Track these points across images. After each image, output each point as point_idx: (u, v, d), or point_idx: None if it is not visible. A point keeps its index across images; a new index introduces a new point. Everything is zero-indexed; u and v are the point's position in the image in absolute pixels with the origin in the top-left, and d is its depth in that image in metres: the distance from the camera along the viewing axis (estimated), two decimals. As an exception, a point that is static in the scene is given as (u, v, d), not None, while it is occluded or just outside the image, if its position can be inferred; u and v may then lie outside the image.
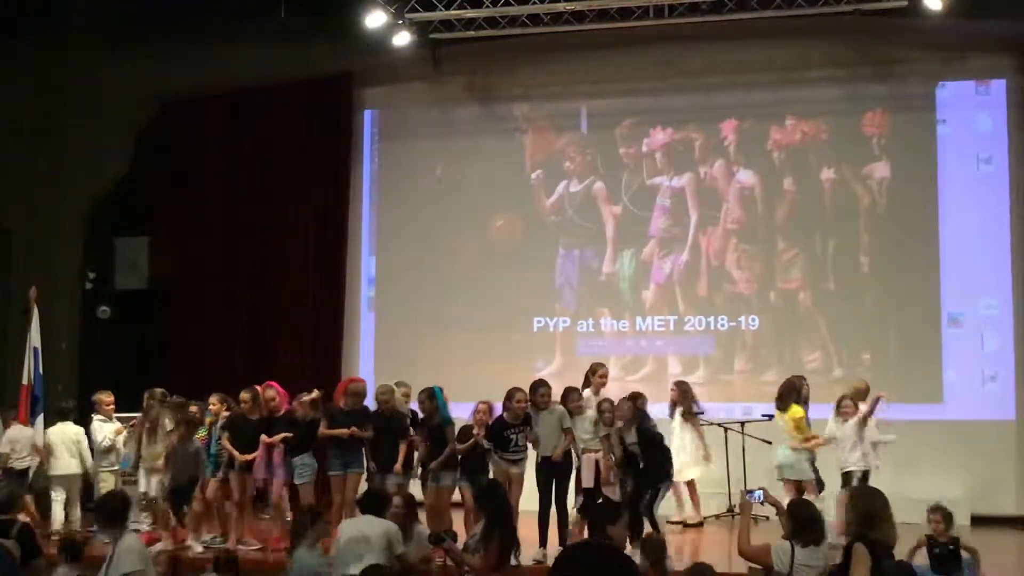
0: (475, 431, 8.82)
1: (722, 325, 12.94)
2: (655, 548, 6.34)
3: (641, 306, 13.17)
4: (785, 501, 6.63)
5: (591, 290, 13.31)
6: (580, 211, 13.40)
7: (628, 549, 7.00)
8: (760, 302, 12.91)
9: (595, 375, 9.63)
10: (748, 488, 6.43)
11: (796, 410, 9.66)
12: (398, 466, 8.90)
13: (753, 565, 6.31)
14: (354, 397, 9.21)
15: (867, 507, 5.55)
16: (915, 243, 12.41)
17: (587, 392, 9.50)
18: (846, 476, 9.15)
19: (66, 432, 10.45)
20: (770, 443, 10.57)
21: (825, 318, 12.72)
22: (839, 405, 9.48)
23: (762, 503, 6.35)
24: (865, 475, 9.07)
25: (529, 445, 8.81)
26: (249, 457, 9.35)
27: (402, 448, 8.99)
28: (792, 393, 9.87)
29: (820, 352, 12.64)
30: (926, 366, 12.24)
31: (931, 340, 12.27)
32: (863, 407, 9.41)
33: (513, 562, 7.58)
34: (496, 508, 6.93)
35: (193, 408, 9.77)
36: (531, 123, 13.51)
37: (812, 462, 9.51)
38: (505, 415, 8.72)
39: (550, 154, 13.53)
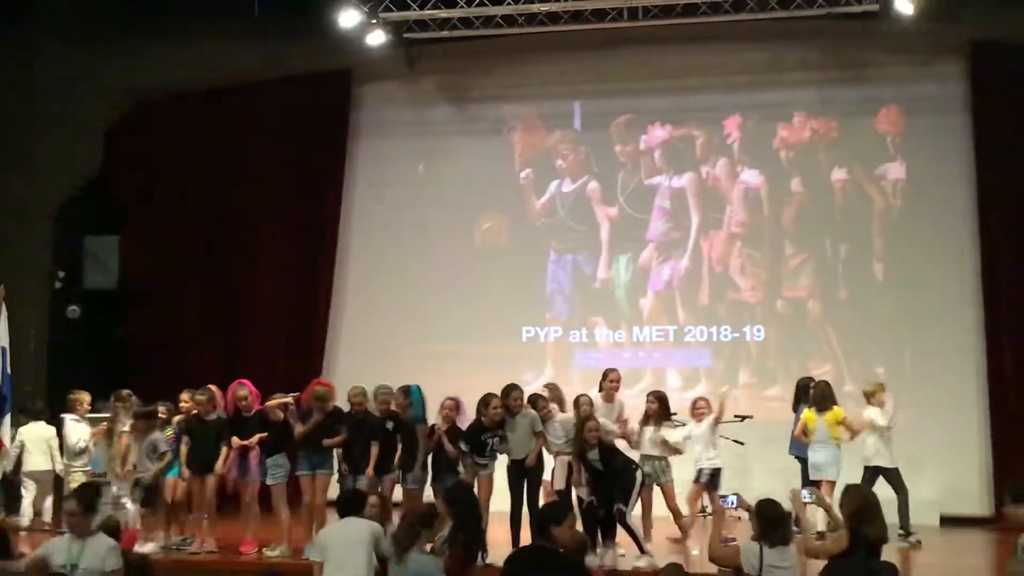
0: (439, 427, 8.76)
1: (725, 336, 12.32)
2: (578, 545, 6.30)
3: (638, 315, 12.54)
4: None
5: (584, 298, 12.67)
6: (573, 213, 12.75)
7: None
8: (766, 311, 12.26)
9: (606, 380, 9.44)
10: (722, 493, 6.57)
11: (838, 411, 9.63)
12: (370, 469, 8.83)
13: (723, 568, 6.31)
14: (319, 402, 9.00)
15: (857, 503, 5.80)
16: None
17: (598, 397, 9.35)
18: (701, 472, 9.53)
19: (37, 432, 10.60)
20: (743, 444, 10.56)
21: (836, 329, 12.08)
22: (694, 406, 9.79)
23: (735, 508, 6.50)
24: (716, 473, 9.46)
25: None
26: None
27: (374, 450, 8.90)
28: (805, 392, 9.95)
29: (831, 365, 11.97)
30: (943, 381, 11.54)
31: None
32: (874, 410, 9.68)
33: (480, 563, 7.67)
34: (463, 510, 6.93)
35: (162, 409, 9.63)
36: (521, 120, 12.98)
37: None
38: (483, 420, 8.74)
39: (541, 152, 12.94)
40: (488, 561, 8.11)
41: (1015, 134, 11.52)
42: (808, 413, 9.68)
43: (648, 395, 9.44)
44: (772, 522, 5.97)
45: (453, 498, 7.10)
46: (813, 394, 9.75)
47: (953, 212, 11.81)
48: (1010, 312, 11.41)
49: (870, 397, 9.83)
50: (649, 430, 9.17)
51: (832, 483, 9.29)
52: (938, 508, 10.91)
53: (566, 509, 6.20)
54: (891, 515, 9.06)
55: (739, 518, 8.78)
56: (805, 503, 6.45)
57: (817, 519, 8.49)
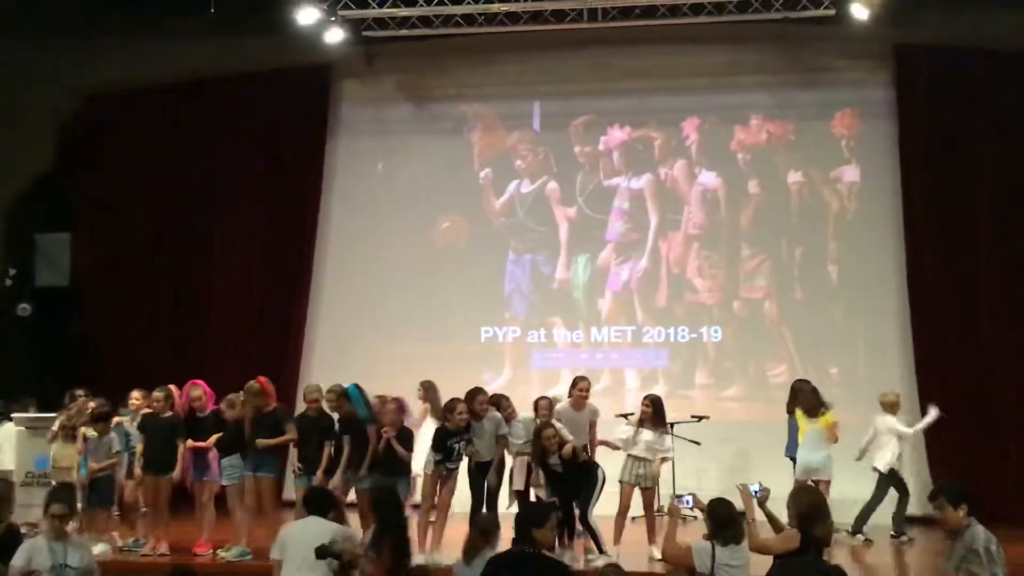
0: (387, 431, 8.60)
1: (683, 337, 12.34)
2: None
3: (596, 316, 12.52)
4: None
5: (543, 298, 12.64)
6: (532, 213, 12.72)
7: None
8: (723, 312, 12.31)
9: (575, 387, 9.34)
10: (678, 493, 6.59)
11: (828, 417, 9.71)
12: (320, 470, 8.72)
13: (676, 568, 6.36)
14: (253, 399, 8.83)
15: (808, 503, 5.78)
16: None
17: (567, 404, 9.29)
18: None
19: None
20: (699, 444, 10.51)
21: (791, 330, 12.17)
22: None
23: (691, 508, 6.52)
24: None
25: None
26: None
27: (326, 450, 8.80)
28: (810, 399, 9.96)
29: (786, 366, 12.07)
30: (895, 382, 11.45)
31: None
32: (891, 419, 10.02)
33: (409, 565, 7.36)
34: (387, 513, 6.65)
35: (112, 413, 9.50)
36: (480, 120, 12.91)
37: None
38: (447, 425, 8.66)
39: (500, 152, 12.88)
40: (420, 563, 8.02)
41: (937, 137, 11.73)
42: (799, 414, 9.76)
43: (644, 399, 9.21)
44: (724, 521, 6.00)
45: (377, 501, 6.87)
46: (801, 399, 9.82)
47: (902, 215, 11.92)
48: (936, 309, 11.57)
49: (889, 407, 10.07)
50: (645, 433, 8.95)
51: (828, 483, 9.44)
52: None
53: (547, 511, 6.12)
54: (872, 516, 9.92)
55: (695, 517, 8.74)
56: (680, 508, 6.51)
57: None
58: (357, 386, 8.91)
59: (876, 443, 10.11)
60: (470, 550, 6.27)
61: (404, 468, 8.63)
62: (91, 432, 9.14)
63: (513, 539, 5.89)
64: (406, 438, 8.66)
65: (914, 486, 10.49)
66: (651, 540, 8.81)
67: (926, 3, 11.07)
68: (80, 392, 9.82)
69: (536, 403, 9.08)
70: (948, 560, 5.76)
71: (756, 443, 11.53)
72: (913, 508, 10.51)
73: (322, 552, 6.23)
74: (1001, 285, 11.54)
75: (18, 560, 6.33)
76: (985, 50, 11.56)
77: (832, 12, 11.01)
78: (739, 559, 5.96)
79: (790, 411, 10.05)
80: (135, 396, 9.71)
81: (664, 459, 9.12)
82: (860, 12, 10.90)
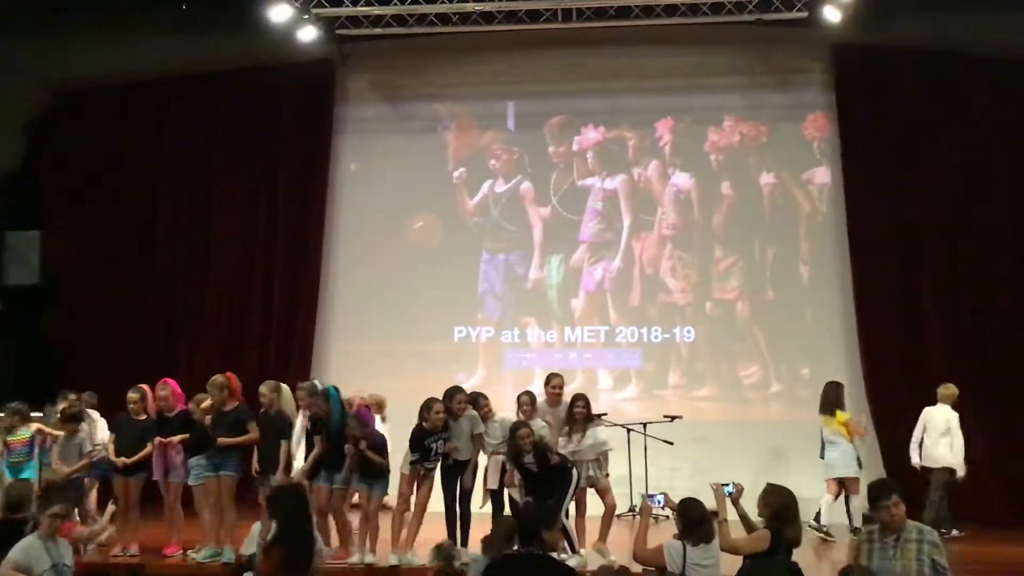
0: (360, 443, 8.51)
1: (656, 337, 12.38)
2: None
3: (570, 316, 12.52)
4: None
5: (516, 298, 12.63)
6: (505, 213, 12.71)
7: None
8: (696, 313, 12.37)
9: (548, 385, 9.26)
10: (649, 492, 6.72)
11: (840, 415, 10.01)
12: (280, 469, 8.60)
13: (647, 568, 6.34)
14: (213, 392, 8.73)
15: (779, 504, 5.88)
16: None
17: (540, 402, 9.20)
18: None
19: None
20: (672, 443, 10.47)
21: (763, 330, 12.23)
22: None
23: (663, 507, 6.58)
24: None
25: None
26: (131, 461, 8.97)
27: (283, 448, 8.70)
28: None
29: (758, 366, 12.17)
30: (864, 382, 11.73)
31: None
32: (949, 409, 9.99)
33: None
34: (288, 515, 6.42)
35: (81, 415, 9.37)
36: (454, 119, 12.88)
37: (858, 460, 9.99)
38: (424, 424, 8.55)
39: (474, 151, 12.86)
40: (368, 561, 8.16)
41: (876, 136, 11.90)
42: (822, 417, 10.03)
43: (577, 401, 8.99)
44: (695, 520, 6.05)
45: (277, 503, 6.56)
46: (823, 398, 10.09)
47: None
48: (878, 309, 11.72)
49: (948, 399, 10.00)
50: (583, 435, 8.81)
51: (855, 479, 9.68)
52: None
53: (555, 512, 6.18)
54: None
55: (667, 517, 8.84)
56: (651, 507, 6.54)
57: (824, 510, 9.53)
58: (336, 389, 8.80)
59: (931, 438, 9.99)
60: (490, 547, 6.30)
61: (378, 472, 8.54)
62: (12, 437, 9.06)
63: (520, 539, 5.90)
64: (379, 445, 8.59)
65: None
66: (602, 539, 8.73)
67: (895, 7, 11.16)
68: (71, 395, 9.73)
69: (519, 398, 9.02)
70: (899, 557, 5.70)
71: (728, 443, 11.66)
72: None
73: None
74: (942, 286, 11.69)
75: (15, 555, 6.31)
76: (939, 52, 11.74)
77: (804, 15, 11.09)
78: (710, 558, 6.03)
79: (823, 413, 10.21)
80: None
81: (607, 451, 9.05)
82: (832, 15, 10.99)
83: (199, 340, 12.64)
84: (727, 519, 6.12)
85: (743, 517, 6.34)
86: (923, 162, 11.88)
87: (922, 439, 10.05)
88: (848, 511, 9.96)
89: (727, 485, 6.36)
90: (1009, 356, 11.39)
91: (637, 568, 6.61)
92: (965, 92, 11.84)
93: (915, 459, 10.04)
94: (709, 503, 6.33)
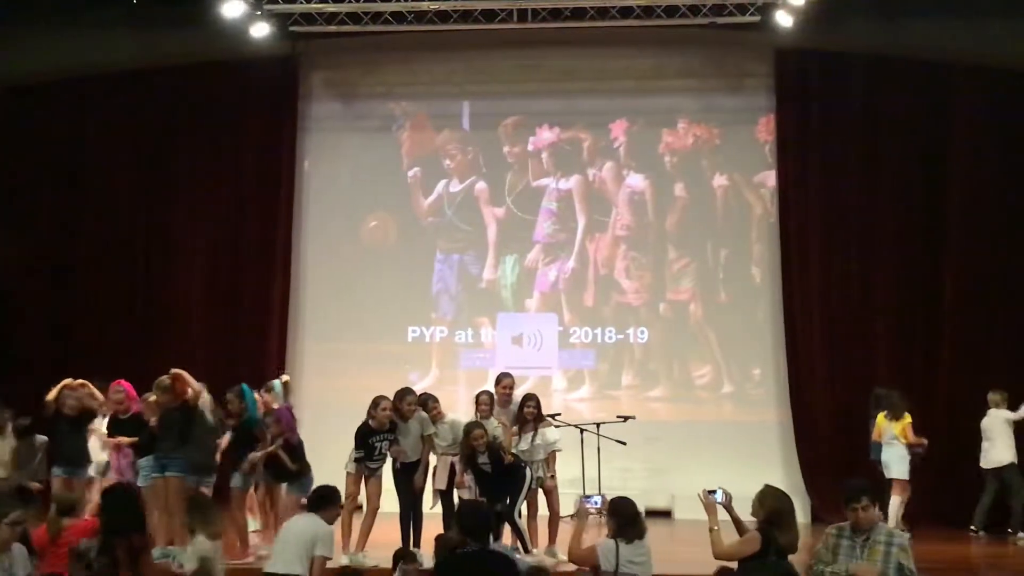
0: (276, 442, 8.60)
1: (610, 338, 12.42)
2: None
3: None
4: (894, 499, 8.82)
5: (471, 298, 12.60)
6: (460, 213, 12.68)
7: None
8: (649, 313, 12.43)
9: (499, 385, 9.17)
10: (587, 494, 6.72)
11: (907, 418, 10.26)
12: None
13: (582, 568, 6.39)
14: (159, 393, 8.71)
15: (771, 508, 5.85)
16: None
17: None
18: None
19: None
20: (624, 443, 10.50)
21: (715, 331, 12.31)
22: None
23: (599, 508, 6.55)
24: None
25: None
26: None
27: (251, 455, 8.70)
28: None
29: (710, 367, 12.27)
30: (816, 382, 11.89)
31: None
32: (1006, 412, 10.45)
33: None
34: (116, 517, 6.34)
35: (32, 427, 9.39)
36: (409, 118, 12.82)
37: (909, 463, 10.24)
38: (371, 422, 8.52)
39: (429, 151, 12.80)
40: (344, 563, 8.06)
41: (814, 140, 12.08)
42: (880, 417, 10.26)
43: (528, 401, 8.95)
44: (627, 519, 6.10)
45: (107, 505, 6.49)
46: (886, 402, 10.33)
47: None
48: (806, 315, 11.88)
49: (1000, 403, 10.47)
50: (534, 434, 8.79)
51: (901, 482, 10.05)
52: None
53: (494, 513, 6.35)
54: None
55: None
56: (588, 509, 6.51)
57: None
58: (247, 387, 8.85)
59: (989, 440, 10.46)
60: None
61: (292, 474, 8.55)
62: None
63: (467, 536, 5.96)
64: (295, 448, 8.59)
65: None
66: (551, 541, 8.73)
67: (846, 12, 11.29)
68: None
69: (479, 397, 8.96)
70: (866, 558, 5.69)
71: (680, 443, 11.76)
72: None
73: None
74: (875, 293, 11.91)
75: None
76: (888, 57, 11.88)
77: (757, 19, 11.19)
78: (642, 555, 6.08)
79: (872, 416, 10.50)
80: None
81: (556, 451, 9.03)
82: (783, 20, 11.11)
83: (161, 341, 12.32)
84: (717, 527, 6.03)
85: (736, 521, 6.28)
86: (864, 167, 12.01)
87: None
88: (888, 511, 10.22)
89: (714, 492, 6.26)
90: (941, 360, 11.61)
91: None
92: (911, 98, 11.99)
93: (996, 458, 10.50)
94: (657, 502, 6.35)
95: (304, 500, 8.56)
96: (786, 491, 6.20)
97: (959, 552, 9.86)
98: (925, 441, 10.27)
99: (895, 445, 10.18)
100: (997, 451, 10.44)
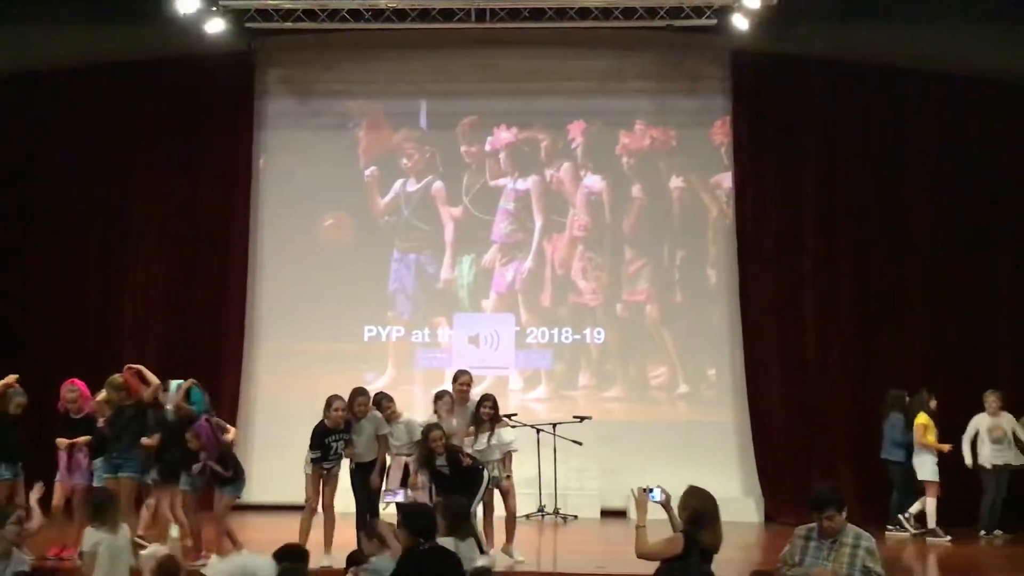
0: (204, 457, 8.45)
1: (566, 338, 12.45)
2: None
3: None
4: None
5: (427, 298, 12.57)
6: (417, 212, 12.62)
7: None
8: (606, 314, 12.47)
9: (456, 383, 9.12)
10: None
11: (922, 417, 10.53)
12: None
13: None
14: (111, 392, 8.63)
15: (695, 507, 5.81)
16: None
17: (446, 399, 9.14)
18: None
19: None
20: (580, 444, 10.58)
21: (671, 332, 12.38)
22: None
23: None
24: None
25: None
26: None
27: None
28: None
29: (666, 367, 12.34)
30: (772, 383, 11.99)
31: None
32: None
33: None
34: None
35: None
36: (366, 117, 12.75)
37: (936, 465, 10.46)
38: (326, 422, 8.53)
39: (386, 150, 12.73)
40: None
41: (768, 143, 12.24)
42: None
43: (485, 401, 8.93)
44: (460, 516, 6.38)
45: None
46: (899, 403, 10.67)
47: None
48: (761, 316, 12.02)
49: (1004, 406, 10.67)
50: (491, 434, 8.77)
51: (934, 483, 10.31)
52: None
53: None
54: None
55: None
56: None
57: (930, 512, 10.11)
58: (197, 386, 8.92)
59: (983, 441, 10.56)
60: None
61: (227, 480, 8.53)
62: None
63: (418, 536, 5.99)
64: (224, 455, 8.54)
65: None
66: (508, 540, 8.73)
67: (800, 17, 11.35)
68: None
69: (438, 397, 8.93)
70: (832, 560, 5.69)
71: (636, 443, 11.83)
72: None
73: None
74: (827, 294, 12.01)
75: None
76: (842, 61, 12.03)
77: (714, 22, 11.27)
78: (471, 551, 6.47)
79: (886, 416, 10.78)
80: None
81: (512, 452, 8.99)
82: (740, 23, 11.20)
83: (115, 339, 12.14)
84: (644, 526, 5.89)
85: (674, 522, 6.17)
86: (819, 169, 12.15)
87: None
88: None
89: (651, 491, 6.08)
90: (897, 361, 11.75)
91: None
92: (865, 101, 12.15)
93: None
94: (613, 502, 6.36)
95: (238, 499, 8.76)
96: (741, 491, 6.24)
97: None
98: (946, 448, 10.38)
99: (918, 449, 10.44)
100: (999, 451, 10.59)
